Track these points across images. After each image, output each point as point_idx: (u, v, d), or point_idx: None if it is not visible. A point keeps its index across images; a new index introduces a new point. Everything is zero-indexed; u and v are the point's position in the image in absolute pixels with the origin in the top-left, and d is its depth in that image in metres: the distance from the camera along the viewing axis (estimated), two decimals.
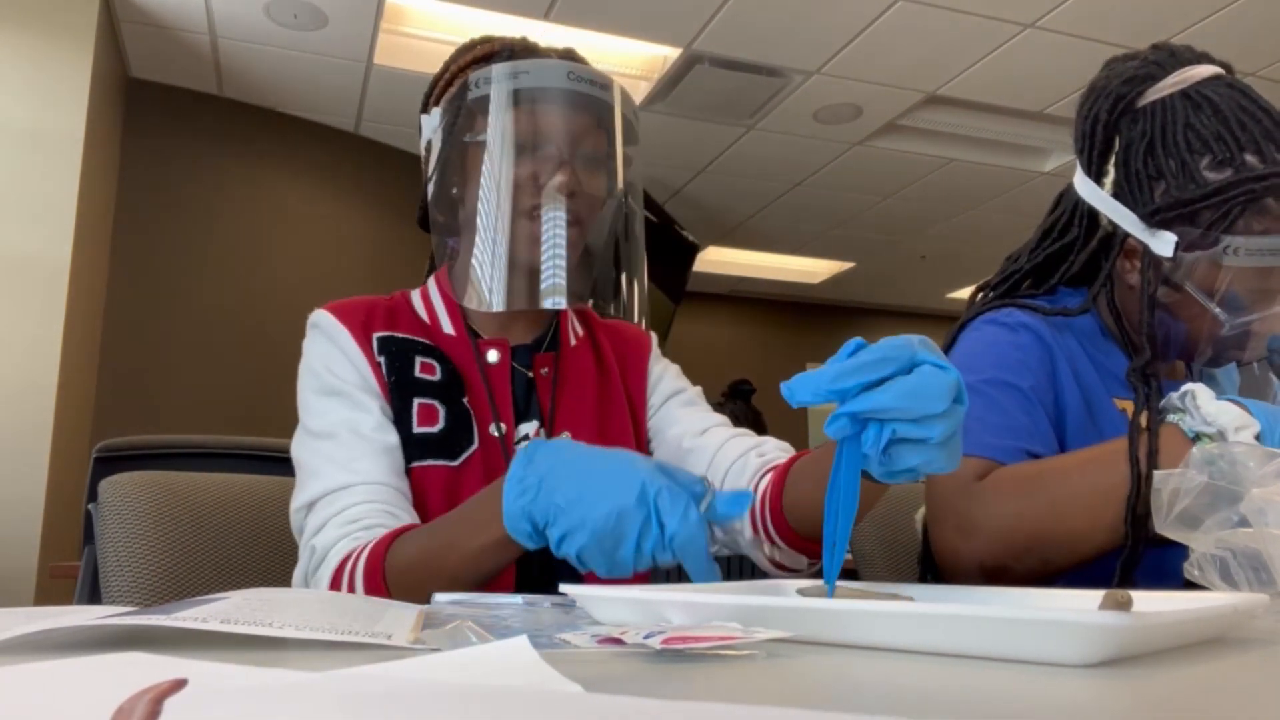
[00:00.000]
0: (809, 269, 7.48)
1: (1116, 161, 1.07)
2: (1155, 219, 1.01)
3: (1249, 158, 0.99)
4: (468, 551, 0.75)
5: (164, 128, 4.43)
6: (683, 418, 1.09)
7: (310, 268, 4.69)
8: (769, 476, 0.94)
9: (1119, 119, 1.07)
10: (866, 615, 0.44)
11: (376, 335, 1.00)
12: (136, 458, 1.61)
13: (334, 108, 4.67)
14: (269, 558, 1.13)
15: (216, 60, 4.25)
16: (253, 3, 3.78)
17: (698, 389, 1.15)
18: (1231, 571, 0.65)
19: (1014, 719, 0.30)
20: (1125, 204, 1.04)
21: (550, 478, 0.69)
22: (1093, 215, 1.10)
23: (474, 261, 0.94)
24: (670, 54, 4.14)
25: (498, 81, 0.95)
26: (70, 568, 2.29)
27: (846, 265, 7.31)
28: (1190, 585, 0.70)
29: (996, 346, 1.08)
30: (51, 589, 3.15)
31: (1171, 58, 1.06)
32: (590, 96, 0.96)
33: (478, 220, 0.94)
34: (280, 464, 1.69)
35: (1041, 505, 0.92)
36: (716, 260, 7.07)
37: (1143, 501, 0.89)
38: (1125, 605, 0.47)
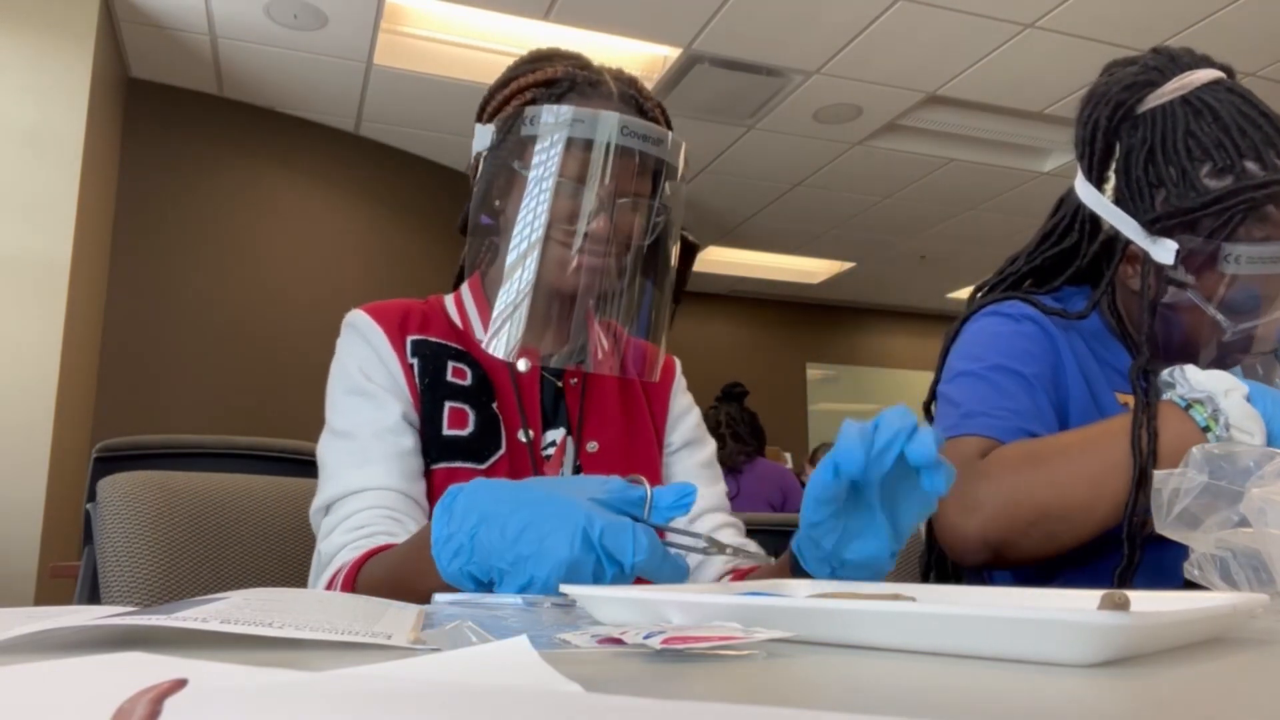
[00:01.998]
0: (809, 269, 7.48)
1: (1117, 168, 1.07)
2: (1156, 227, 1.01)
3: (1249, 165, 0.98)
4: (422, 591, 0.72)
5: (164, 128, 4.43)
6: (693, 481, 1.10)
7: (310, 268, 4.70)
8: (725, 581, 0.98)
9: (1119, 125, 1.06)
10: (867, 615, 0.44)
11: (411, 338, 1.01)
12: (136, 458, 1.61)
13: (334, 108, 4.67)
14: (269, 558, 1.13)
15: (216, 60, 4.25)
16: (253, 3, 3.78)
17: (713, 444, 1.16)
18: (1231, 571, 0.65)
19: (1014, 719, 0.30)
20: (1126, 211, 1.04)
21: (481, 535, 0.65)
22: (1094, 219, 1.10)
23: (500, 306, 0.95)
24: (670, 54, 4.14)
25: (548, 125, 0.95)
26: (70, 568, 2.29)
27: (846, 265, 7.31)
28: (1190, 585, 0.70)
29: (1000, 336, 1.08)
30: (51, 589, 3.15)
31: (1171, 63, 1.06)
32: (641, 154, 0.95)
33: (509, 260, 0.95)
34: (280, 464, 1.69)
35: (1044, 480, 0.92)
36: (716, 260, 7.07)
37: (1145, 495, 0.90)
38: (1123, 606, 0.47)
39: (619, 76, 1.03)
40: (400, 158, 5.10)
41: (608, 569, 0.62)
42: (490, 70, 5.05)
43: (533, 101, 0.98)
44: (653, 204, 0.99)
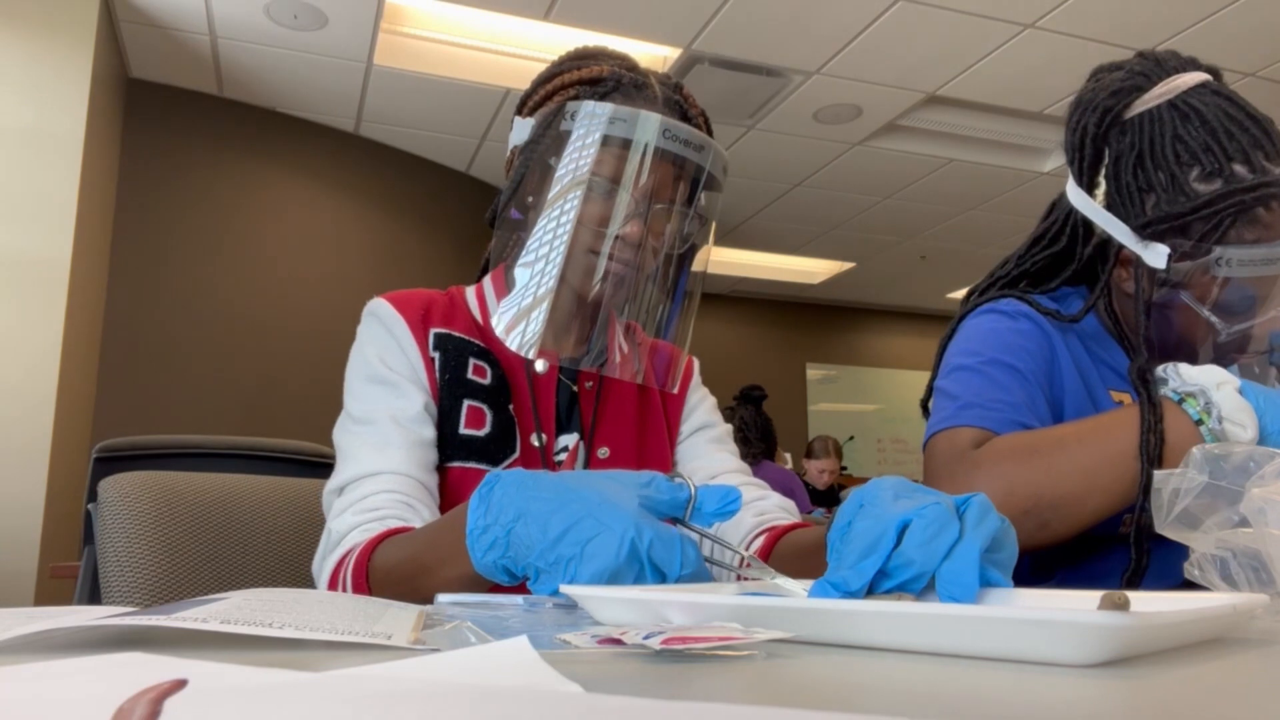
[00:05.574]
0: (809, 269, 7.48)
1: (1107, 174, 1.08)
2: (1147, 231, 1.02)
3: (1237, 168, 0.99)
4: (443, 579, 0.71)
5: (164, 128, 4.43)
6: (703, 455, 1.10)
7: (310, 268, 4.70)
8: (761, 540, 0.98)
9: (1107, 131, 1.07)
10: (866, 615, 0.44)
11: (434, 330, 1.01)
12: (136, 458, 1.61)
13: (334, 108, 4.67)
14: (269, 558, 1.13)
15: (216, 60, 4.25)
16: (253, 3, 3.78)
17: (727, 427, 1.16)
18: (1231, 571, 0.65)
19: (1014, 719, 0.30)
20: (1117, 215, 1.05)
21: (519, 530, 0.62)
22: (1087, 223, 1.11)
23: (520, 302, 0.93)
24: (670, 54, 4.14)
25: (591, 123, 0.93)
26: (70, 568, 2.29)
27: (846, 265, 7.31)
28: (1190, 585, 0.70)
29: (997, 333, 1.09)
30: (51, 589, 3.15)
31: (1157, 66, 1.06)
32: (681, 160, 0.94)
33: (534, 258, 0.94)
34: (281, 464, 1.69)
35: (1038, 469, 0.93)
36: (716, 260, 7.07)
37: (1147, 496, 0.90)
38: (1123, 606, 0.47)
39: (664, 81, 1.02)
40: (400, 158, 5.10)
41: (650, 579, 0.60)
42: (490, 70, 5.00)
43: (575, 98, 0.97)
44: (688, 212, 0.97)
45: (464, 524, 0.66)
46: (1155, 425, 0.91)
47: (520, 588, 0.68)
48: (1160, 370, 0.96)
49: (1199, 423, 0.91)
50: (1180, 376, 0.94)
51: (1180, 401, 0.93)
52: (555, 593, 0.60)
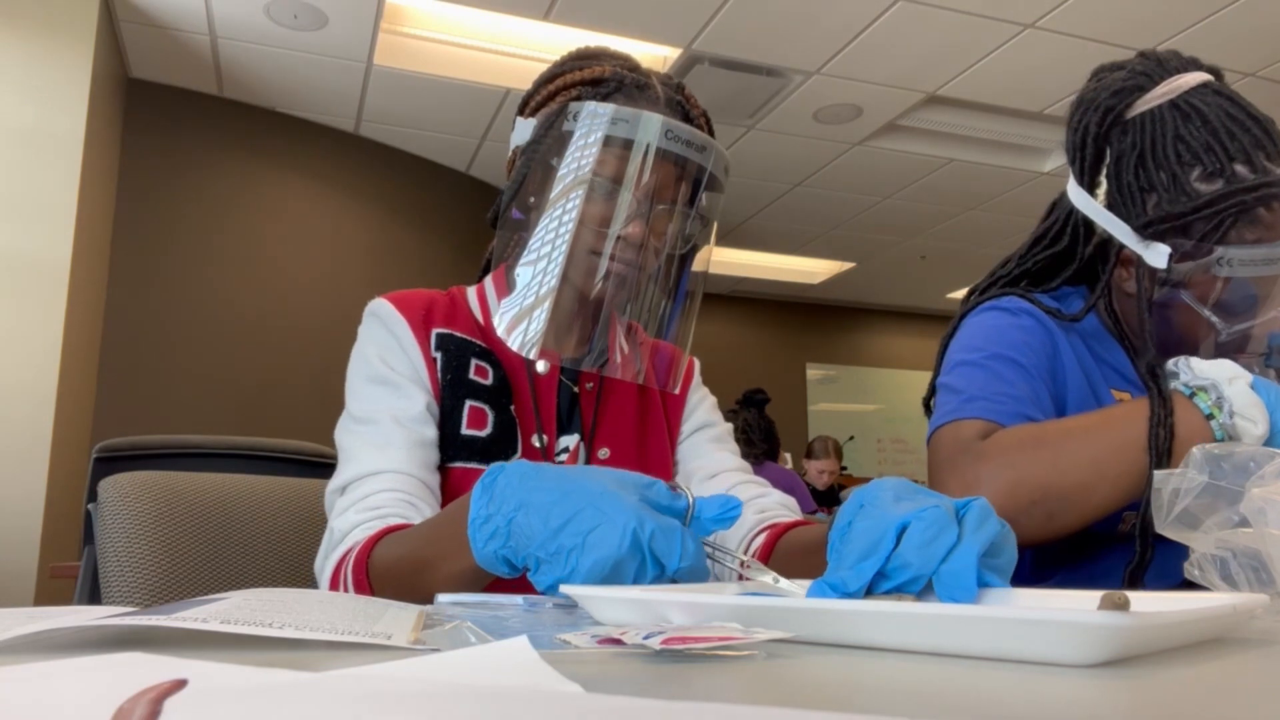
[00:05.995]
0: (809, 269, 7.48)
1: (1108, 174, 1.08)
2: (1148, 231, 1.02)
3: (1239, 168, 0.99)
4: (444, 574, 0.71)
5: (164, 128, 4.43)
6: (704, 454, 1.10)
7: (310, 268, 4.70)
8: (762, 538, 0.98)
9: (1109, 131, 1.07)
10: (866, 615, 0.44)
11: (436, 331, 1.01)
12: (136, 458, 1.61)
13: (334, 108, 4.67)
14: (269, 558, 1.13)
15: (216, 60, 4.25)
16: (253, 3, 3.78)
17: (727, 426, 1.16)
18: (1231, 571, 0.65)
19: (1014, 719, 0.30)
20: (1119, 215, 1.05)
21: (520, 520, 0.62)
22: (1088, 223, 1.11)
23: (521, 302, 0.94)
24: (670, 54, 4.14)
25: (593, 123, 0.93)
26: (70, 568, 2.29)
27: (846, 265, 7.31)
28: (1190, 585, 0.70)
29: (999, 329, 1.09)
30: (51, 589, 3.15)
31: (1159, 66, 1.06)
32: (684, 160, 0.94)
33: (536, 258, 0.94)
34: (281, 464, 1.69)
35: (1045, 460, 0.93)
36: (716, 260, 7.06)
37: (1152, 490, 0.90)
38: (1123, 606, 0.47)
39: (666, 81, 1.02)
40: (400, 158, 5.10)
41: (650, 571, 0.60)
42: (490, 70, 4.99)
43: (578, 98, 0.97)
44: (689, 213, 0.97)
45: (464, 517, 0.66)
46: (1165, 419, 0.91)
47: (520, 584, 0.68)
48: (1171, 364, 0.96)
49: (1210, 417, 0.91)
50: (1192, 370, 0.94)
51: (1192, 396, 0.93)
52: (555, 584, 0.60)
